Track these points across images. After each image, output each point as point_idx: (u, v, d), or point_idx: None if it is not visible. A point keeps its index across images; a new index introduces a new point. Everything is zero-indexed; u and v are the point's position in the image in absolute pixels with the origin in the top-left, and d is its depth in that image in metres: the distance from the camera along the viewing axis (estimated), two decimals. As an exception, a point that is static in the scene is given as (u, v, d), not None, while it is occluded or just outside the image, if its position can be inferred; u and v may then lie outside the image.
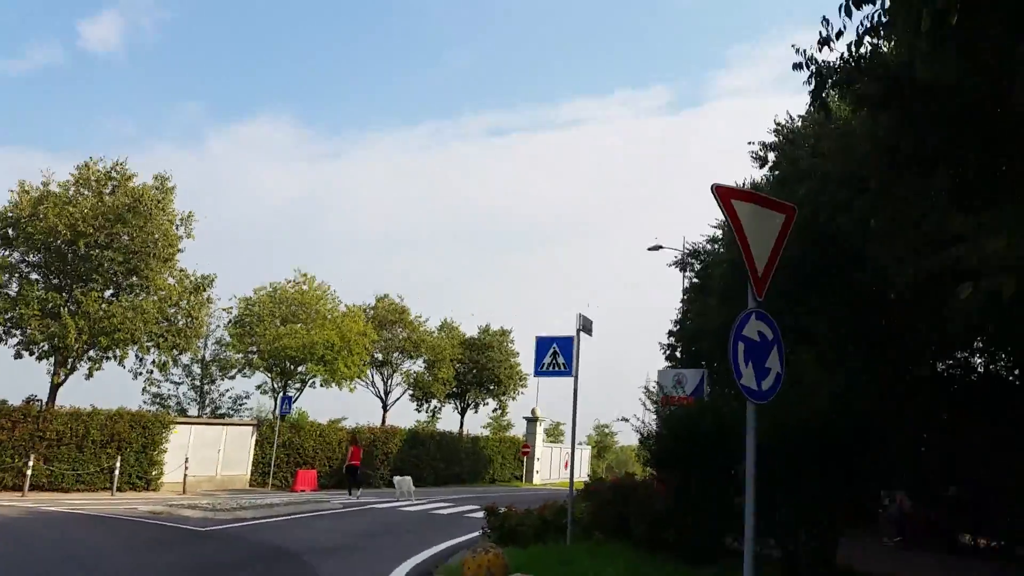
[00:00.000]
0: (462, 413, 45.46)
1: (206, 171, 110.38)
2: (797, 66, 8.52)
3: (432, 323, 42.32)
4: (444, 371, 40.44)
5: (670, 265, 30.18)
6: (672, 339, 28.14)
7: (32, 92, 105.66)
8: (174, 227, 25.25)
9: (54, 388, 23.97)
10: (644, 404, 12.78)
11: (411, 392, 41.39)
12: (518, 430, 51.21)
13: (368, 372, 38.71)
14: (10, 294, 22.96)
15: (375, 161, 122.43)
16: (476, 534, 12.67)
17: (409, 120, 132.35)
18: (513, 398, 46.28)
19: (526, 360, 45.30)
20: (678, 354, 27.19)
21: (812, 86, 8.65)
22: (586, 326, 11.73)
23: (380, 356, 39.46)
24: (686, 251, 29.22)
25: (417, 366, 41.13)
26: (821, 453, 8.68)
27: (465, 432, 42.79)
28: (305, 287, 34.08)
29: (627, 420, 12.81)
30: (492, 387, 44.82)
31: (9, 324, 22.58)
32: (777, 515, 8.80)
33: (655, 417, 12.37)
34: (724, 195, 5.74)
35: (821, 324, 13.86)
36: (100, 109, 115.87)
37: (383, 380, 40.73)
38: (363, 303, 39.40)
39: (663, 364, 26.91)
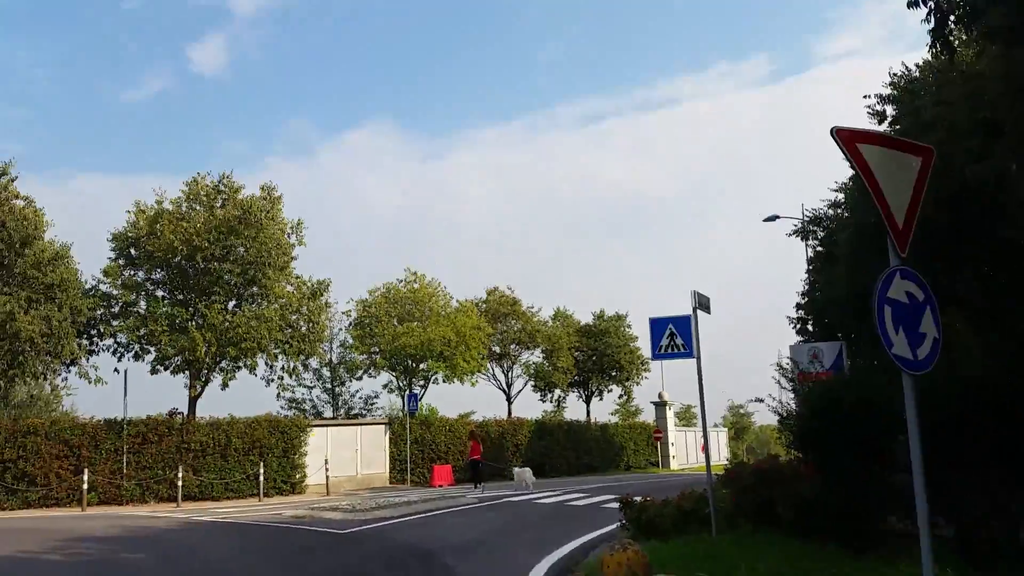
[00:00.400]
0: (587, 401, 45.09)
1: (317, 182, 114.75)
2: (913, 3, 7.60)
3: (545, 313, 42.14)
4: (563, 360, 40.16)
5: (790, 235, 28.61)
6: (801, 312, 26.76)
7: (150, 119, 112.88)
8: (285, 235, 26.03)
9: (192, 400, 25.32)
10: (779, 382, 12.05)
11: (533, 383, 41.39)
12: (647, 416, 50.33)
13: (487, 365, 38.99)
14: (140, 312, 24.41)
15: (475, 159, 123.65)
16: (613, 527, 12.29)
17: (504, 116, 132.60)
18: (637, 383, 45.46)
19: (645, 344, 44.34)
20: (809, 327, 25.85)
21: (932, 24, 7.71)
22: (703, 303, 11.06)
23: (498, 349, 39.64)
24: (806, 219, 27.65)
25: (535, 357, 41.09)
26: (991, 421, 7.76)
27: (593, 420, 42.40)
28: (416, 285, 34.65)
29: (762, 400, 12.12)
30: (614, 373, 44.16)
31: (142, 341, 24.00)
32: (946, 491, 7.95)
33: (793, 395, 11.62)
34: (848, 139, 5.00)
35: (967, 283, 12.56)
36: (214, 130, 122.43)
37: (504, 372, 40.93)
38: (474, 297, 39.71)
39: (794, 339, 25.68)
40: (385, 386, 35.21)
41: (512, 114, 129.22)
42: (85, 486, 21.09)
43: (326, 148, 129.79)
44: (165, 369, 24.19)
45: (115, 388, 24.55)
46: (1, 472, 21.44)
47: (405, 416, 30.47)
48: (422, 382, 34.41)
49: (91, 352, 25.03)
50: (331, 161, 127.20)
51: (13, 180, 22.44)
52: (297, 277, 27.20)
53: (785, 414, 11.27)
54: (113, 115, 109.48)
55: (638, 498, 12.16)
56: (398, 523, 14.93)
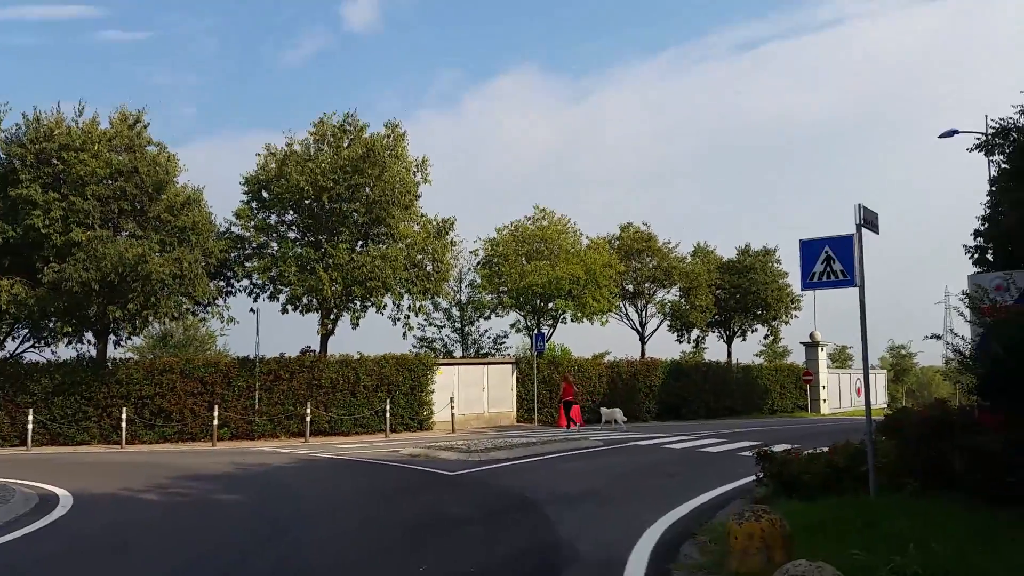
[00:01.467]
0: (728, 342, 42.52)
1: (464, 131, 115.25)
2: None
3: (683, 249, 39.63)
4: (702, 298, 37.76)
5: (971, 150, 24.81)
6: (980, 240, 23.25)
7: (308, 79, 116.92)
8: (410, 173, 25.39)
9: (324, 339, 25.51)
10: (963, 314, 9.84)
11: (668, 323, 39.33)
12: (796, 357, 47.00)
13: (619, 304, 37.29)
14: (272, 253, 24.58)
15: (620, 98, 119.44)
16: (750, 479, 10.65)
17: (650, 49, 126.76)
18: (786, 323, 42.31)
19: (796, 281, 41.14)
20: (989, 256, 22.39)
21: None
22: (869, 220, 8.86)
23: (631, 287, 37.79)
24: (991, 131, 23.72)
25: (672, 295, 38.89)
26: None
27: (735, 361, 39.91)
28: (545, 223, 33.25)
29: (939, 337, 9.95)
30: (759, 312, 41.23)
31: (274, 282, 24.19)
32: None
33: (979, 331, 9.39)
34: None
35: None
36: (367, 85, 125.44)
37: (637, 312, 39.09)
38: (607, 234, 37.85)
39: (972, 270, 22.39)
40: (513, 325, 34.46)
41: (659, 48, 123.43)
42: (216, 422, 21.68)
43: (473, 97, 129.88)
44: (295, 309, 24.39)
45: (270, 327, 25.08)
46: (140, 408, 22.43)
47: (532, 355, 29.61)
48: (550, 321, 33.34)
49: (228, 293, 25.68)
50: (476, 110, 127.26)
51: (146, 127, 22.91)
52: (422, 216, 26.61)
53: (968, 353, 9.11)
54: (274, 76, 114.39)
55: (778, 447, 10.38)
56: (510, 466, 13.94)
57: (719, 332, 42.35)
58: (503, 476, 12.57)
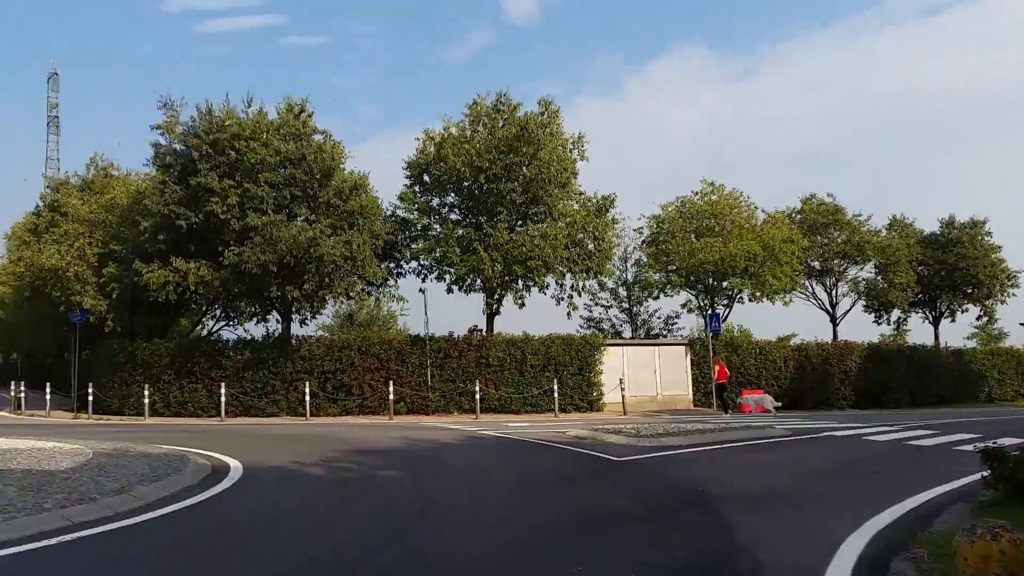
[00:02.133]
0: (935, 323, 38.23)
1: (624, 114, 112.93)
2: None
3: (875, 222, 35.89)
4: (901, 275, 34.06)
5: None
6: None
7: (475, 71, 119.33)
8: (567, 151, 24.72)
9: (489, 318, 25.44)
10: None
11: (864, 302, 35.84)
12: (1015, 340, 41.49)
13: (804, 283, 34.42)
14: (435, 235, 24.77)
15: (789, 73, 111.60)
16: (970, 480, 8.88)
17: (822, 19, 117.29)
18: (1002, 301, 37.37)
19: (1011, 255, 36.22)
20: None
21: None
22: None
23: (817, 264, 34.74)
24: None
25: (866, 272, 35.36)
26: None
27: (944, 345, 35.73)
28: (715, 197, 31.13)
29: None
30: (970, 291, 36.66)
31: (439, 263, 24.39)
32: None
33: None
34: None
35: None
36: (530, 75, 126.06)
37: (826, 291, 35.95)
38: (786, 208, 34.98)
39: None
40: (684, 305, 32.78)
41: (831, 18, 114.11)
42: (391, 397, 22.21)
43: (632, 80, 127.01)
44: (460, 289, 24.48)
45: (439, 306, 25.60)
46: (323, 382, 23.40)
47: (707, 337, 27.91)
48: (725, 301, 31.33)
49: (398, 274, 26.29)
50: (637, 92, 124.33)
51: (310, 116, 23.70)
52: (581, 194, 25.84)
53: None
54: (442, 71, 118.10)
55: (1006, 441, 8.52)
56: (683, 454, 12.77)
57: (923, 313, 38.18)
58: (674, 465, 11.47)
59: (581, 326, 34.00)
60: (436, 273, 25.06)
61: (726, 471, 11.12)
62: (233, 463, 11.35)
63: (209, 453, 12.56)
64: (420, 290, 24.87)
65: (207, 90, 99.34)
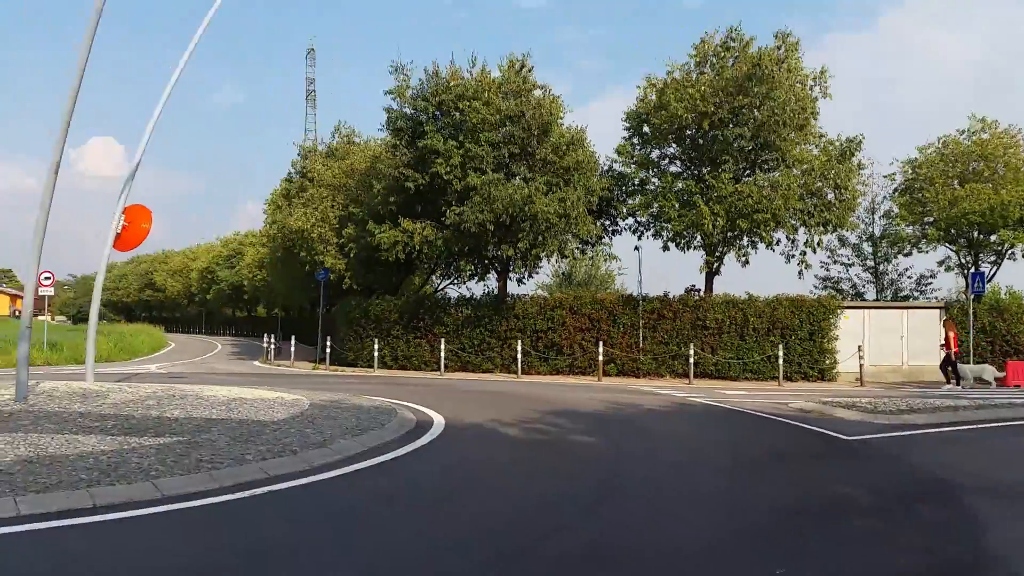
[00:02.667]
0: None
1: (878, 47, 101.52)
2: None
3: None
4: None
5: None
6: None
7: (718, 13, 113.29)
8: (806, 89, 22.12)
9: (708, 277, 23.95)
10: None
11: None
12: None
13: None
14: (653, 189, 23.55)
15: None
16: None
17: None
18: None
19: None
20: None
21: None
22: None
23: None
24: None
25: None
26: None
27: None
28: (985, 135, 26.60)
29: None
30: None
31: (656, 219, 23.22)
32: None
33: None
34: None
35: None
36: (770, 15, 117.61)
37: None
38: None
39: None
40: (941, 263, 28.73)
41: None
42: (600, 358, 21.75)
43: (889, 8, 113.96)
44: (677, 246, 23.27)
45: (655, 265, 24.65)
46: (535, 341, 23.52)
47: (968, 300, 24.24)
48: (992, 258, 27.00)
49: (614, 232, 25.62)
50: (894, 21, 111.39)
51: (530, 71, 23.46)
52: (821, 136, 23.24)
53: None
54: (679, 14, 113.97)
55: None
56: (926, 435, 10.96)
57: None
58: (915, 448, 9.84)
59: (816, 287, 31.19)
60: (653, 230, 24.00)
61: (977, 457, 9.35)
62: (437, 419, 11.52)
63: (417, 407, 12.93)
64: (635, 248, 23.98)
65: (443, 55, 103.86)
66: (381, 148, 26.77)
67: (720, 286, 24.37)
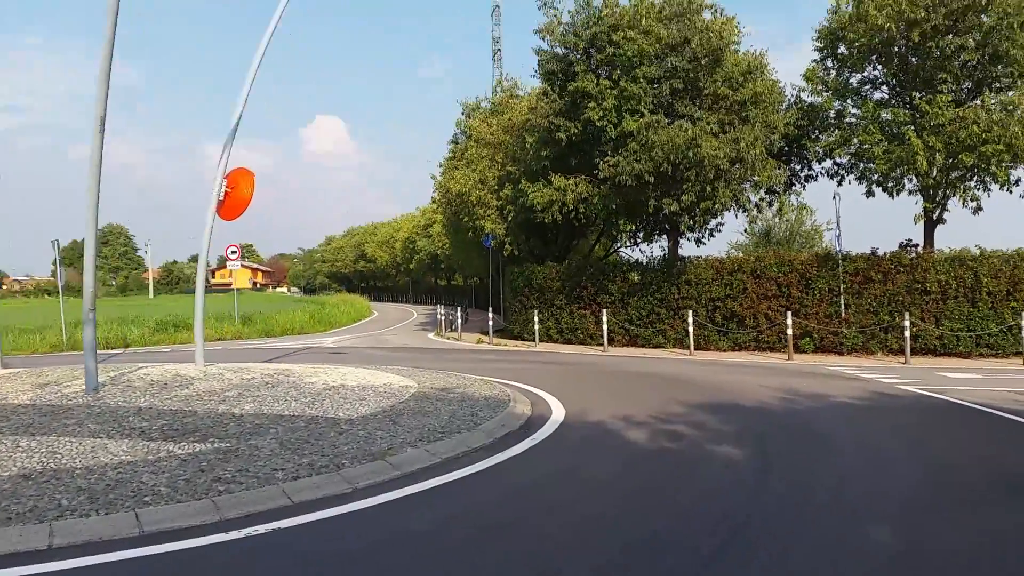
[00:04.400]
0: None
1: None
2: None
3: None
4: None
5: None
6: None
7: None
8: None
9: (927, 229, 19.58)
10: None
11: None
12: None
13: None
14: (851, 123, 19.46)
15: None
16: None
17: None
18: None
19: None
20: None
21: None
22: None
23: None
24: None
25: None
26: None
27: None
28: None
29: None
30: None
31: (856, 158, 19.20)
32: None
33: None
34: None
35: None
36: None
37: None
38: None
39: None
40: None
41: None
42: (789, 331, 18.35)
43: None
44: (884, 191, 19.19)
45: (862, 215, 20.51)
46: (711, 311, 20.58)
47: None
48: None
49: (807, 177, 21.96)
50: None
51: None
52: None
53: None
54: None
55: None
56: None
57: None
58: None
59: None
60: (858, 173, 19.96)
61: None
62: (556, 412, 9.64)
63: (543, 394, 11.17)
64: (834, 196, 20.05)
65: None
66: (536, 98, 24.66)
67: (943, 239, 19.95)
